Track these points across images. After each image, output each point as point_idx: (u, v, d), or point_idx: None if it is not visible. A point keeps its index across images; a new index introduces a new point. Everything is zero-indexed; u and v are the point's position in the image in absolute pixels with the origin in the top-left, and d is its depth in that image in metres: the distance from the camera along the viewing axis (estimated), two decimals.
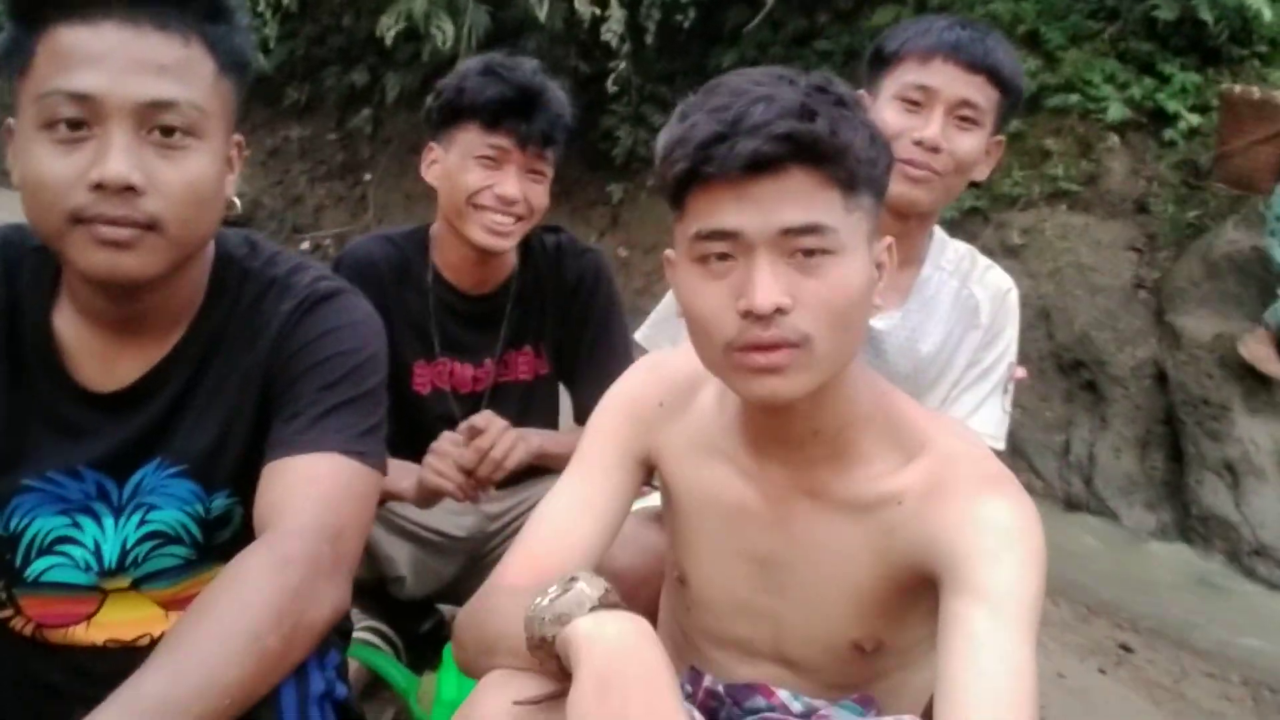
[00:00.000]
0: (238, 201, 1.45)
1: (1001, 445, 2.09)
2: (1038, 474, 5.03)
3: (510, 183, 2.18)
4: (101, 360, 1.41)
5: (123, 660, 1.21)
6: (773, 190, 1.18)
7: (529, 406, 2.43)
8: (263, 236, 1.59)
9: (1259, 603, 4.21)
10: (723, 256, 1.22)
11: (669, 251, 1.34)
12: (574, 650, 1.11)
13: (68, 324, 1.41)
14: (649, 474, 1.54)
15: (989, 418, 2.12)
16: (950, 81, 1.97)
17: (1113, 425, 5.00)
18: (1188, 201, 5.34)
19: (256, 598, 1.17)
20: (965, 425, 1.92)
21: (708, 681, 1.46)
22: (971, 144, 2.00)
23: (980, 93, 1.98)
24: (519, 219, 2.21)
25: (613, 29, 6.69)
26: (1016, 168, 5.68)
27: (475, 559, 2.41)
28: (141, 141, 1.25)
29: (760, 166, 1.16)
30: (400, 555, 2.31)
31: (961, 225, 5.37)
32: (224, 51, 1.33)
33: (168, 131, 1.26)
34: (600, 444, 1.51)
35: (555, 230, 2.45)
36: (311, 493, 1.31)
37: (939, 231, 2.19)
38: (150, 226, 1.25)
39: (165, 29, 1.26)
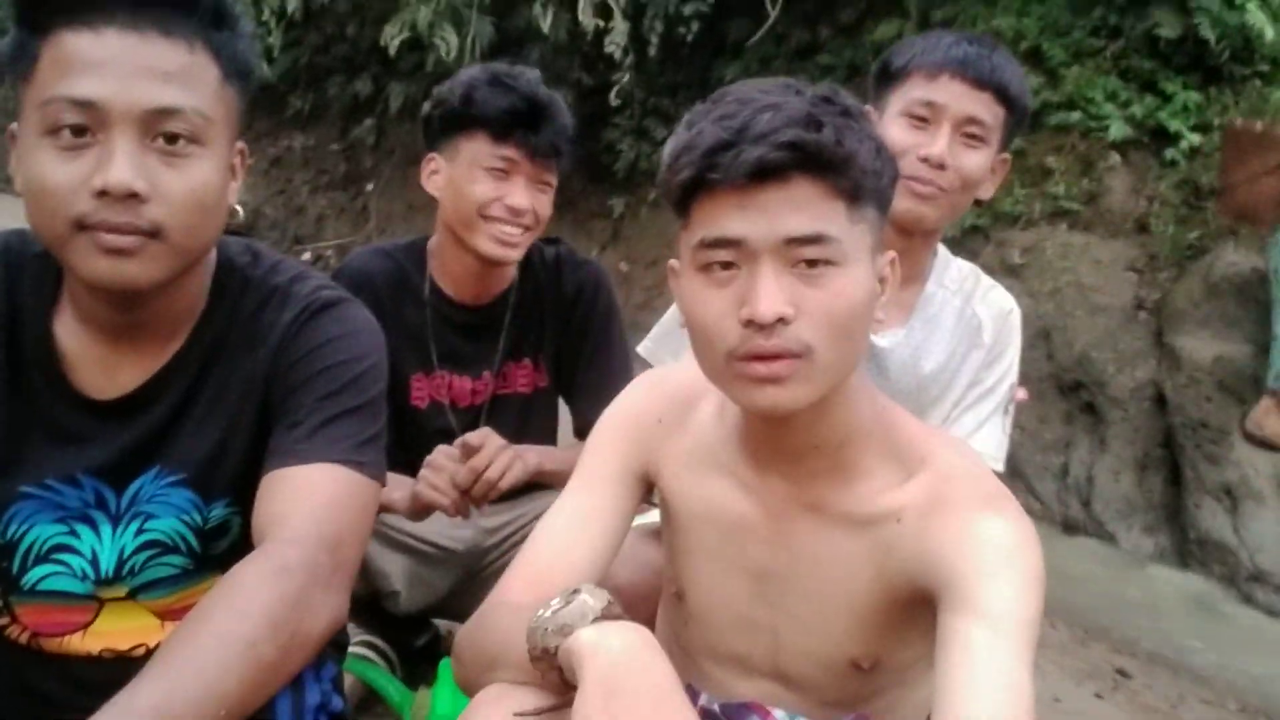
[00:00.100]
0: (240, 209, 1.45)
1: (1001, 466, 2.08)
2: (1036, 496, 5.01)
3: (520, 193, 2.19)
4: (102, 367, 1.40)
5: (118, 670, 1.20)
6: (777, 199, 1.18)
7: (528, 420, 2.43)
8: (265, 245, 1.59)
9: (1257, 628, 4.18)
10: (726, 265, 1.22)
11: (673, 261, 1.34)
12: (578, 660, 1.11)
13: (68, 331, 1.40)
14: (649, 490, 1.53)
15: (989, 438, 2.11)
16: (957, 98, 1.97)
17: (1111, 447, 4.98)
18: (1189, 222, 5.34)
19: (253, 607, 1.16)
20: (965, 443, 1.92)
21: (703, 700, 1.46)
22: (978, 161, 2.00)
23: (987, 110, 1.98)
24: (526, 229, 2.22)
25: (616, 41, 6.70)
26: (1018, 186, 5.67)
27: (471, 573, 2.40)
28: (145, 148, 1.24)
29: (765, 175, 1.17)
30: (395, 569, 2.30)
31: (962, 244, 5.37)
32: (228, 59, 1.33)
33: (171, 139, 1.26)
34: (600, 460, 1.51)
35: (554, 242, 2.46)
36: (310, 502, 1.30)
37: (943, 250, 2.19)
38: (153, 234, 1.25)
39: (170, 36, 1.26)
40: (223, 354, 1.44)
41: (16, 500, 1.39)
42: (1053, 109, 5.79)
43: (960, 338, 2.11)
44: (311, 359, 1.42)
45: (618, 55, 6.78)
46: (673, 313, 2.20)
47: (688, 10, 6.82)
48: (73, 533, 1.41)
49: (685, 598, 1.50)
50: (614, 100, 7.19)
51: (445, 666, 1.98)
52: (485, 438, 2.09)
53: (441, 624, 2.64)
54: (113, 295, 1.32)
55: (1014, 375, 2.16)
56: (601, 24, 6.69)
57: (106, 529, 1.42)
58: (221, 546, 1.47)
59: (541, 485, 2.26)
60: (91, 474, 1.40)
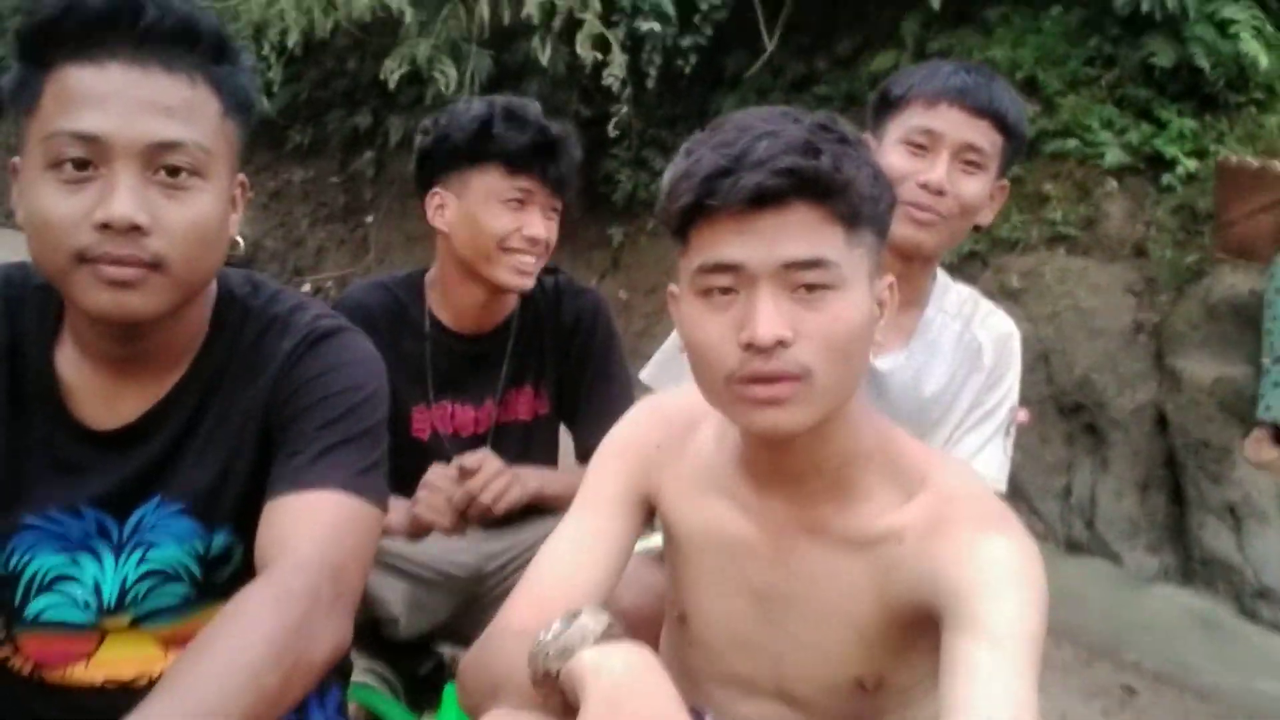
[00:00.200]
0: (241, 241, 1.46)
1: (1003, 488, 2.08)
2: (1039, 516, 5.00)
3: (537, 223, 2.22)
4: (103, 398, 1.41)
5: (121, 700, 1.19)
6: (775, 224, 1.19)
7: (529, 447, 2.44)
8: (265, 276, 1.60)
9: (1262, 645, 4.17)
10: (725, 290, 1.23)
11: (672, 286, 1.35)
12: (580, 682, 1.11)
13: (69, 362, 1.41)
14: (650, 515, 1.54)
15: (991, 460, 2.11)
16: (955, 126, 1.98)
17: (1114, 468, 4.98)
18: (1186, 246, 5.35)
19: (256, 634, 1.16)
20: (966, 464, 1.92)
21: None
22: (976, 188, 2.01)
23: (985, 137, 1.99)
24: (539, 258, 2.24)
25: (614, 74, 6.73)
26: (1015, 212, 5.69)
27: (473, 598, 2.39)
28: (147, 182, 1.25)
29: (763, 200, 1.18)
30: (394, 595, 2.29)
31: (960, 269, 5.37)
32: (229, 92, 1.34)
33: (173, 172, 1.27)
34: (601, 486, 1.51)
35: (553, 271, 2.47)
36: (312, 529, 1.30)
37: (942, 274, 2.20)
38: (155, 266, 1.26)
39: (171, 70, 1.27)
40: (223, 384, 1.45)
41: (18, 531, 1.39)
42: (1049, 137, 5.81)
43: (960, 361, 2.12)
44: (312, 387, 1.42)
45: (616, 87, 6.80)
46: (674, 338, 2.21)
47: (685, 43, 6.85)
48: (75, 563, 1.41)
49: (688, 620, 1.50)
50: (612, 131, 7.21)
51: (449, 693, 1.98)
52: (481, 460, 2.09)
53: (445, 651, 2.63)
54: (114, 327, 1.33)
55: (1014, 397, 2.16)
56: (600, 57, 6.71)
57: (109, 559, 1.42)
58: (224, 575, 1.47)
59: (542, 509, 2.26)
60: (93, 504, 1.40)
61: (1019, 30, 6.28)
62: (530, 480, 2.18)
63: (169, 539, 1.43)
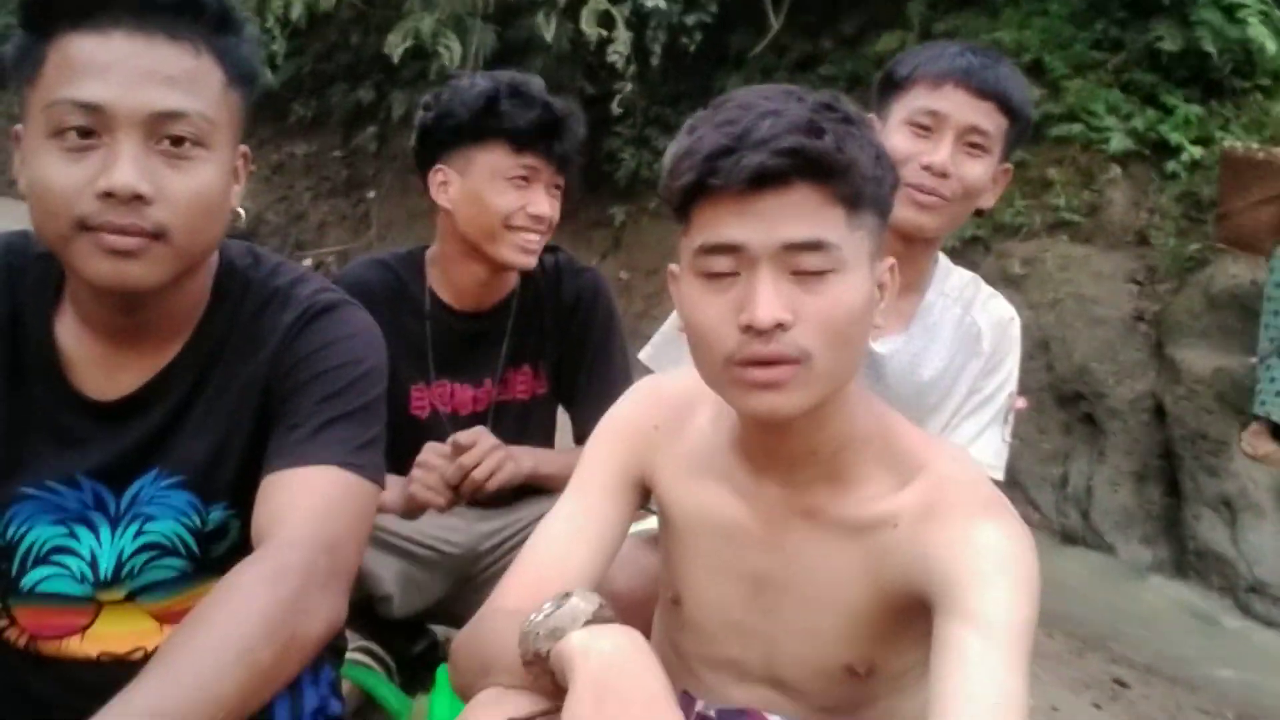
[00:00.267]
0: (243, 212, 1.45)
1: (1001, 475, 2.08)
2: (1035, 506, 5.01)
3: (542, 201, 2.22)
4: (102, 369, 1.41)
5: (116, 674, 1.19)
6: (777, 205, 1.18)
7: (527, 427, 2.43)
8: (266, 249, 1.59)
9: (1255, 639, 4.19)
10: (726, 271, 1.22)
11: (673, 265, 1.34)
12: (569, 663, 1.11)
13: (69, 332, 1.41)
14: (646, 496, 1.54)
15: (988, 447, 2.11)
16: (960, 107, 1.97)
17: (1110, 458, 4.99)
18: (1189, 234, 5.35)
19: (251, 610, 1.16)
20: (963, 450, 1.92)
21: (699, 706, 1.45)
22: (980, 170, 2.00)
23: (989, 119, 1.98)
24: (543, 235, 2.24)
25: (618, 51, 6.72)
26: (1018, 197, 5.69)
27: (467, 578, 2.39)
28: (150, 151, 1.25)
29: (765, 181, 1.17)
30: (387, 573, 2.29)
31: (963, 254, 5.37)
32: (233, 63, 1.33)
33: (177, 141, 1.27)
34: (597, 467, 1.51)
35: (553, 250, 2.46)
36: (308, 505, 1.30)
37: (943, 258, 2.19)
38: (157, 235, 1.26)
39: (175, 40, 1.27)
40: (223, 356, 1.44)
41: (16, 501, 1.39)
42: (1054, 121, 5.81)
43: (959, 346, 2.11)
44: (311, 362, 1.42)
45: (620, 65, 6.79)
46: (674, 319, 2.21)
47: (690, 20, 6.84)
48: (72, 534, 1.41)
49: (681, 603, 1.50)
50: (616, 109, 7.21)
51: (443, 673, 1.97)
52: (475, 437, 2.10)
53: (439, 630, 2.64)
54: (115, 297, 1.33)
55: (1013, 384, 2.16)
56: (604, 33, 6.70)
57: (105, 531, 1.42)
58: (220, 549, 1.47)
59: (538, 489, 2.26)
60: (91, 475, 1.40)
61: (1025, 12, 6.27)
62: (525, 459, 2.18)
63: (166, 512, 1.43)
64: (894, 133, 2.01)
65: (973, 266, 2.36)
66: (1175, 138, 5.50)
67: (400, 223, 9.15)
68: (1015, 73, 2.03)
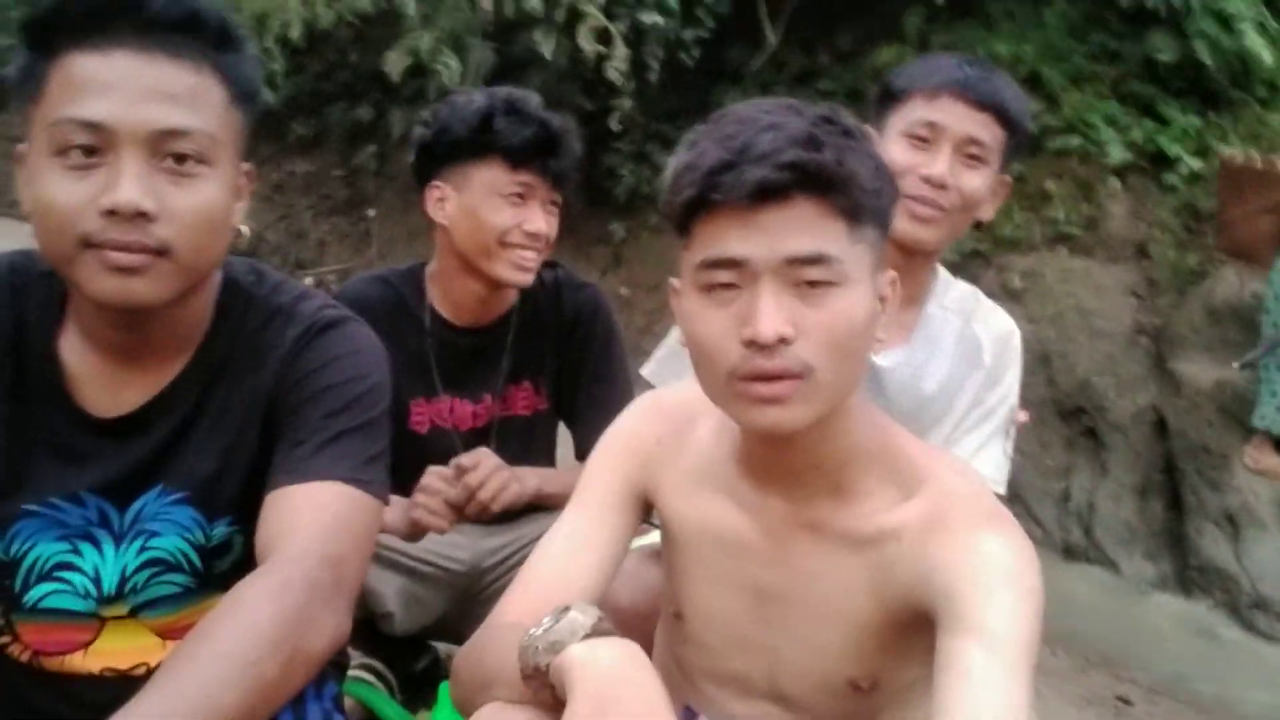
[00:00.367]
0: (245, 230, 1.45)
1: (1003, 489, 2.08)
2: (1037, 522, 4.99)
3: (538, 218, 2.22)
4: (106, 386, 1.41)
5: (119, 689, 1.19)
6: (778, 219, 1.18)
7: (529, 443, 2.43)
8: (268, 266, 1.59)
9: (1258, 655, 4.17)
10: (727, 285, 1.22)
11: (674, 280, 1.34)
12: (568, 676, 1.11)
13: (73, 349, 1.41)
14: (648, 511, 1.53)
15: (990, 460, 2.11)
16: (957, 119, 1.98)
17: (1112, 473, 4.98)
18: (1188, 246, 5.35)
19: (255, 624, 1.16)
20: (966, 463, 1.91)
21: None
22: (978, 181, 2.01)
23: (987, 130, 1.99)
24: (539, 252, 2.24)
25: (617, 66, 6.72)
26: (1017, 210, 5.68)
27: (469, 595, 2.39)
28: (153, 169, 1.25)
29: (766, 195, 1.17)
30: (389, 590, 2.28)
31: (963, 268, 5.36)
32: (234, 80, 1.34)
33: (180, 159, 1.27)
34: (599, 482, 1.51)
35: (553, 265, 2.46)
36: (313, 520, 1.30)
37: (942, 271, 2.20)
38: (161, 252, 1.26)
39: (177, 57, 1.27)
40: (226, 373, 1.45)
41: (19, 518, 1.39)
42: (1052, 133, 5.81)
43: (960, 358, 2.11)
44: (315, 378, 1.42)
45: (618, 81, 6.79)
46: (676, 334, 2.21)
47: (688, 36, 6.85)
48: (75, 551, 1.41)
49: (684, 617, 1.50)
50: (615, 125, 7.21)
51: (445, 690, 1.97)
52: (479, 458, 2.10)
53: (441, 647, 2.63)
54: (119, 314, 1.33)
55: (1015, 397, 2.15)
56: (602, 50, 6.71)
57: (109, 547, 1.42)
58: (224, 565, 1.47)
59: (541, 507, 2.26)
60: (94, 492, 1.40)
61: (1022, 25, 6.28)
62: (529, 479, 2.18)
63: (170, 528, 1.42)
64: (891, 145, 2.02)
65: (973, 280, 2.36)
66: (1173, 149, 5.51)
67: (401, 241, 9.14)
68: (1012, 84, 2.04)
